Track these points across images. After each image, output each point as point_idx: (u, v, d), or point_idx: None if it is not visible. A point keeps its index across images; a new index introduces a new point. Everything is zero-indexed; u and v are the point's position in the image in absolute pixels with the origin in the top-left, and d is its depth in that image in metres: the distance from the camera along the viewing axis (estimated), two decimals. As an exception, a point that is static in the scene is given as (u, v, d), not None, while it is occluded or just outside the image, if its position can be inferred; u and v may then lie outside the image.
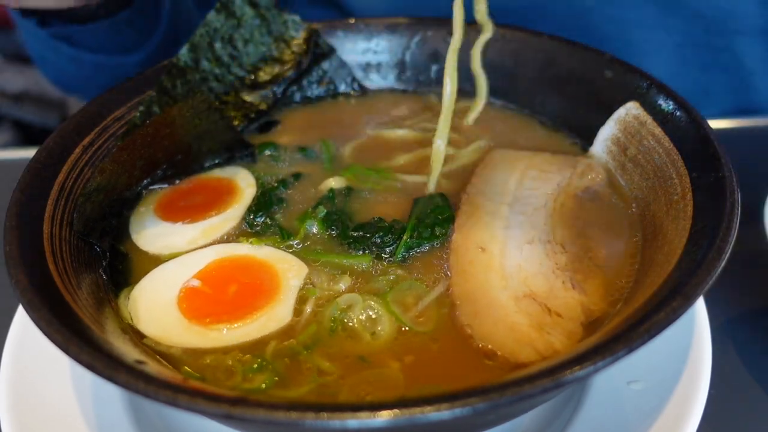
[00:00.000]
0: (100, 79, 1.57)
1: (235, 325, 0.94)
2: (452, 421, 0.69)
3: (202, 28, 1.29)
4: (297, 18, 1.36)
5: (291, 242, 1.07)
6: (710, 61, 1.78)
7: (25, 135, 2.95)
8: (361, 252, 1.04)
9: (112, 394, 1.03)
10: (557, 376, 0.70)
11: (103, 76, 1.58)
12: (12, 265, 0.86)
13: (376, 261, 1.03)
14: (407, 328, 0.93)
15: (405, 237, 1.05)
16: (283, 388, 0.87)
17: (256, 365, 0.89)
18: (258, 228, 1.10)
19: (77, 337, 0.78)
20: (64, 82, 1.93)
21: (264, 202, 1.14)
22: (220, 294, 0.98)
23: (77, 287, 0.93)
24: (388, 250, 1.04)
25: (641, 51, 1.76)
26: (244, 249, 1.06)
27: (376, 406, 0.69)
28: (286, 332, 0.94)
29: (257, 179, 1.20)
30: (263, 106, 1.35)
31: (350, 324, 0.94)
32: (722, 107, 1.86)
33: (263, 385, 0.87)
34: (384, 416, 0.68)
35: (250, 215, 1.12)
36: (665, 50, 1.76)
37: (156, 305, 0.98)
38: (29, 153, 1.07)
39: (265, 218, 1.11)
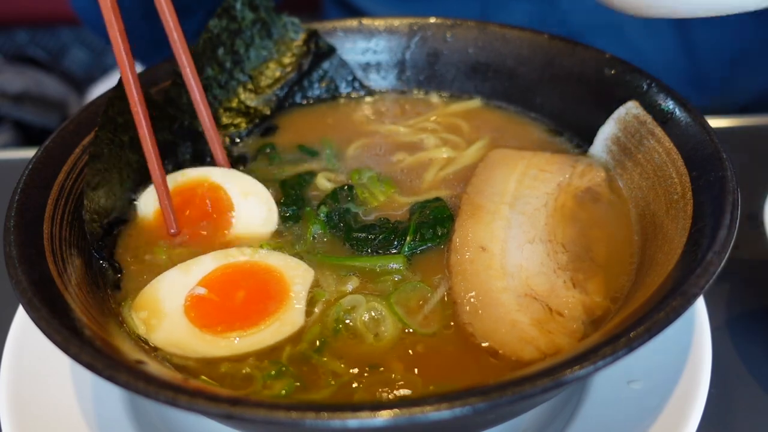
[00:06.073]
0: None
1: (248, 332, 0.92)
2: (452, 421, 0.69)
3: (205, 34, 1.27)
4: (296, 20, 1.36)
5: (295, 245, 1.07)
6: None
7: (25, 135, 2.93)
8: (365, 253, 1.04)
9: (112, 394, 1.03)
10: (557, 375, 0.70)
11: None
12: (12, 265, 0.86)
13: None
14: (410, 330, 0.93)
15: (408, 238, 1.04)
16: (304, 393, 0.86)
17: (274, 371, 0.88)
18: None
19: (77, 337, 0.78)
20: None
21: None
22: (227, 301, 0.97)
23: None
24: (392, 251, 1.04)
25: None
26: (248, 254, 1.03)
27: (376, 406, 0.69)
28: (301, 336, 0.93)
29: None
30: (267, 111, 1.34)
31: (353, 325, 0.93)
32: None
33: (283, 392, 0.86)
34: (384, 416, 0.68)
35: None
36: None
37: (163, 315, 0.96)
38: (29, 153, 1.07)
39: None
